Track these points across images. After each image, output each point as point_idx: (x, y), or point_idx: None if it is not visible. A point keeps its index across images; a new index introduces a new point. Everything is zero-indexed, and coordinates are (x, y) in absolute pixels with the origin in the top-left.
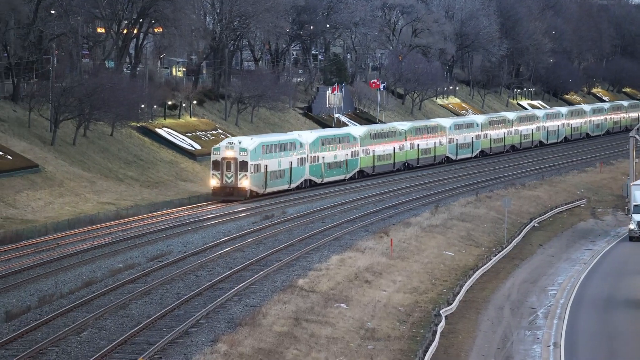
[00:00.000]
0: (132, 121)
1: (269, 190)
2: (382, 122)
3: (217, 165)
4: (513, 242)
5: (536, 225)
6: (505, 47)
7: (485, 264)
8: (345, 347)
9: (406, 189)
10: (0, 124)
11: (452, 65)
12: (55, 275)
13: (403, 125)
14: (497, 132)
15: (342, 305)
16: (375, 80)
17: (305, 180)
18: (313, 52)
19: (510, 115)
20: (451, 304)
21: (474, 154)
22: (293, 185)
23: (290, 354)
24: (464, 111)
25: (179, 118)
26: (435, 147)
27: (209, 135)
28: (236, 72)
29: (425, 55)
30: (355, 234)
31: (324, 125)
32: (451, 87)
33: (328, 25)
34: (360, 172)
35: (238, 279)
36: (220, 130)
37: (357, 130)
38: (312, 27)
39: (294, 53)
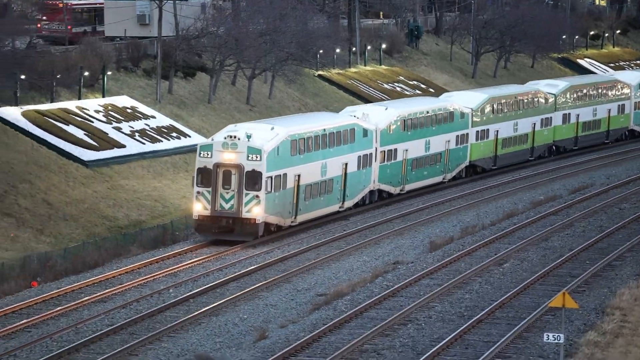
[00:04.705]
0: (553, 52)
1: (302, 218)
2: None
3: (205, 176)
4: None
5: None
6: None
7: None
8: None
9: None
10: (424, 58)
11: None
12: (477, 207)
13: (551, 87)
14: None
15: None
16: None
17: (372, 191)
18: None
19: None
20: None
21: None
22: (348, 204)
23: None
24: None
25: (601, 48)
26: (609, 117)
27: (632, 65)
28: None
29: None
30: None
31: None
32: None
33: None
34: (471, 166)
35: None
36: None
37: (465, 98)
38: None
39: None
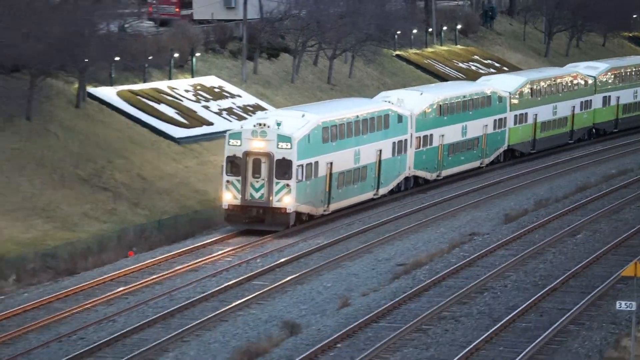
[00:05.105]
0: (624, 31)
1: (335, 206)
2: None
3: (234, 165)
4: None
5: None
6: None
7: None
8: None
9: None
10: (498, 37)
11: None
12: (550, 180)
13: (591, 69)
14: None
15: None
16: None
17: (407, 178)
18: None
19: None
20: None
21: None
22: (383, 191)
23: None
24: None
25: None
26: None
27: None
28: None
29: None
30: None
31: None
32: None
33: None
34: (510, 151)
35: None
36: None
37: (503, 82)
38: None
39: None
